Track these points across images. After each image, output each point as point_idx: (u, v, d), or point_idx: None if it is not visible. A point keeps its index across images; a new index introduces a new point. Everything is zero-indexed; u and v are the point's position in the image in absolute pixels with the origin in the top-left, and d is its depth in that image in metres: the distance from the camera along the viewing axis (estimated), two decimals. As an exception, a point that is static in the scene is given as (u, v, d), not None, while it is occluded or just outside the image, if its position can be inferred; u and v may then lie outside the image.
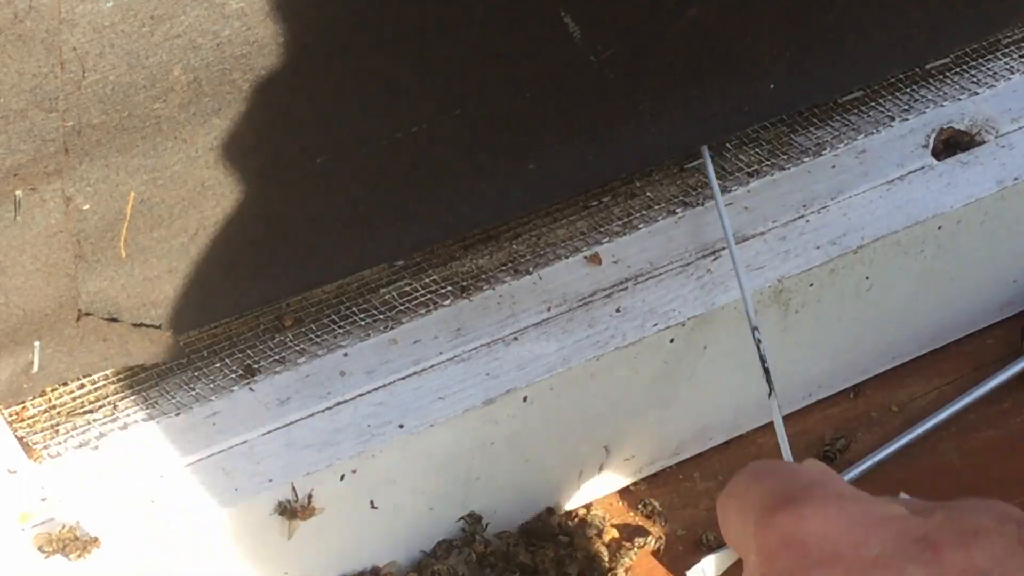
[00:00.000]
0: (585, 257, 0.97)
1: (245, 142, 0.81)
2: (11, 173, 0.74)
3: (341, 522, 0.87)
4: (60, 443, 0.85)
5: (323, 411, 0.88)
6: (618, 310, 0.94)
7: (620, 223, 0.99)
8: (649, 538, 0.95)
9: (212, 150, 0.81)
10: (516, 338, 0.92)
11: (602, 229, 0.98)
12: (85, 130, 0.75)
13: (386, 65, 0.83)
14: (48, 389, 0.86)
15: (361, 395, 0.89)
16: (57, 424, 0.86)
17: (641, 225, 0.99)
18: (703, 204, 1.00)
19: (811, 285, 0.97)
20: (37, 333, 0.82)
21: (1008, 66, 1.11)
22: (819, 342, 1.00)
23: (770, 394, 0.91)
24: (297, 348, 0.91)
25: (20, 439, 0.84)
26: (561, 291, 0.95)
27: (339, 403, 0.88)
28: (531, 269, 0.96)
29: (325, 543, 0.88)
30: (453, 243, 0.97)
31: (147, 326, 0.85)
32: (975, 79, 1.10)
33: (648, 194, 1.01)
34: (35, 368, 0.83)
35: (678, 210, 1.00)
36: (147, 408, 0.87)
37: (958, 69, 1.10)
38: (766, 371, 0.91)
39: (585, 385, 0.91)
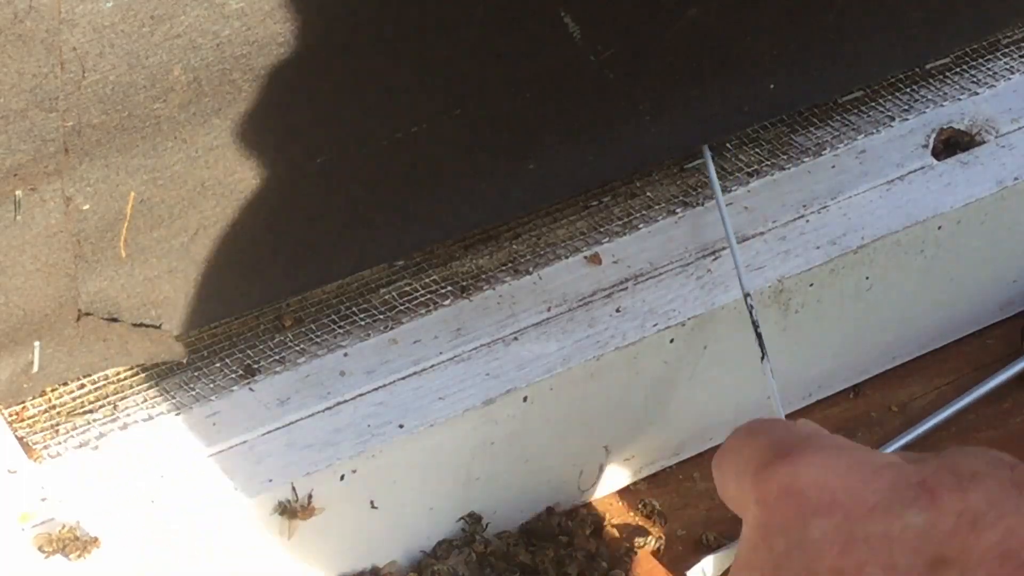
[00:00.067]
0: (585, 257, 0.97)
1: (245, 142, 0.81)
2: (11, 173, 0.74)
3: (341, 522, 0.87)
4: (60, 443, 0.85)
5: (323, 411, 0.88)
6: (618, 310, 0.94)
7: (620, 223, 0.99)
8: (649, 538, 0.95)
9: (212, 150, 0.81)
10: (516, 338, 0.92)
11: (602, 229, 0.98)
12: (85, 130, 0.75)
13: (386, 65, 0.83)
14: (48, 389, 0.86)
15: (361, 395, 0.89)
16: (57, 424, 0.86)
17: (641, 225, 0.99)
18: (703, 204, 1.00)
19: (811, 285, 0.97)
20: (37, 333, 0.82)
21: (1008, 66, 1.11)
22: (819, 342, 1.00)
23: (763, 358, 0.91)
24: (297, 348, 0.91)
25: (20, 439, 0.84)
26: (561, 291, 0.95)
27: (339, 403, 0.88)
28: (531, 269, 0.96)
29: (325, 543, 0.88)
30: (453, 243, 0.97)
31: (147, 326, 0.85)
32: (975, 79, 1.10)
33: (648, 194, 1.01)
34: (35, 368, 0.83)
35: (678, 210, 1.00)
36: (147, 408, 0.87)
37: (958, 69, 1.10)
38: (758, 335, 0.91)
39: (585, 385, 0.91)
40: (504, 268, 0.96)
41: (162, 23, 0.74)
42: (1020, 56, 1.11)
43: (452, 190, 0.91)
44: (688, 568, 0.94)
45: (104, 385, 0.88)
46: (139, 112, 0.76)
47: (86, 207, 0.78)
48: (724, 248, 0.97)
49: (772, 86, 0.99)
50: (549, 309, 0.94)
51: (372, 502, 0.88)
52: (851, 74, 1.04)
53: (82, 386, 0.87)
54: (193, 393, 0.88)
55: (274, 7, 0.77)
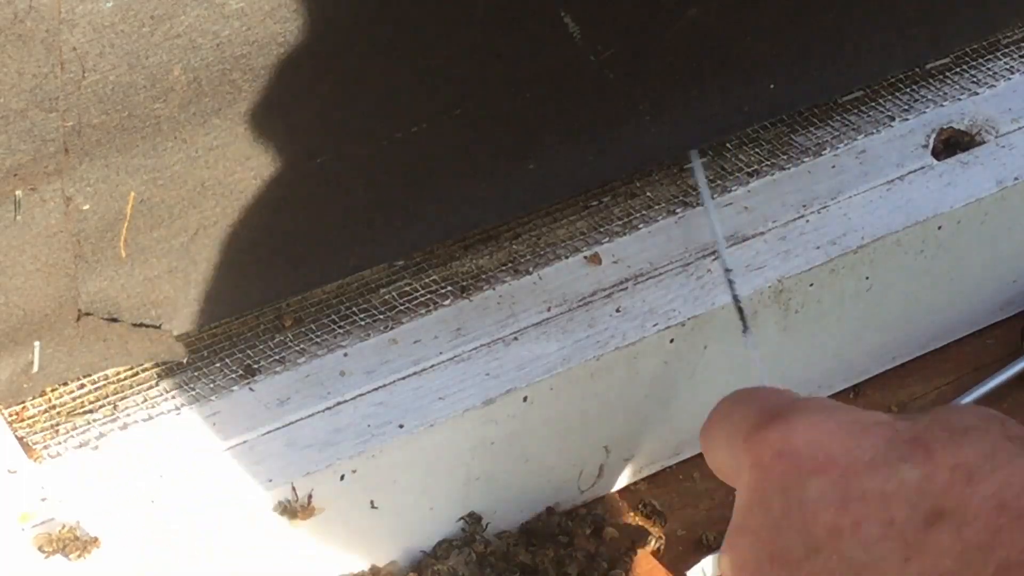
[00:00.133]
0: (585, 257, 0.97)
1: (245, 142, 0.81)
2: (11, 173, 0.74)
3: (341, 522, 0.87)
4: (60, 443, 0.85)
5: (323, 411, 0.88)
6: (618, 310, 0.94)
7: (620, 223, 0.99)
8: (649, 538, 0.95)
9: (212, 150, 0.81)
10: (516, 338, 0.92)
11: (602, 229, 0.98)
12: (85, 130, 0.75)
13: (386, 65, 0.83)
14: (48, 389, 0.86)
15: (361, 395, 0.89)
16: (57, 424, 0.86)
17: (641, 225, 0.99)
18: (703, 204, 1.00)
19: (811, 285, 0.97)
20: (37, 333, 0.82)
21: (1008, 66, 1.11)
22: (819, 342, 1.00)
23: (744, 331, 0.91)
24: (297, 348, 0.91)
25: (20, 439, 0.84)
26: (561, 291, 0.95)
27: (339, 403, 0.88)
28: (531, 269, 0.96)
29: (325, 543, 0.88)
30: (453, 243, 0.97)
31: (147, 326, 0.85)
32: (975, 79, 1.10)
33: (648, 194, 1.01)
34: (35, 368, 0.83)
35: (678, 210, 1.00)
36: (147, 408, 0.87)
37: (958, 69, 1.10)
38: (739, 310, 0.91)
39: (585, 385, 0.91)
40: (504, 268, 0.96)
41: (162, 23, 0.74)
42: (1020, 56, 1.11)
43: (452, 190, 0.91)
44: (688, 568, 0.94)
45: (104, 385, 0.88)
46: (139, 112, 0.76)
47: (86, 207, 0.78)
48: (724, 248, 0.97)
49: (772, 86, 0.99)
50: (549, 309, 0.94)
51: (372, 502, 0.88)
52: (851, 74, 1.04)
53: (82, 386, 0.87)
54: (193, 393, 0.88)
55: (274, 7, 0.77)
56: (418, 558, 0.92)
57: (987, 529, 0.51)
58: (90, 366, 0.85)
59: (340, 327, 0.92)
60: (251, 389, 0.88)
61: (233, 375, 0.89)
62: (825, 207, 1.00)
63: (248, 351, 0.90)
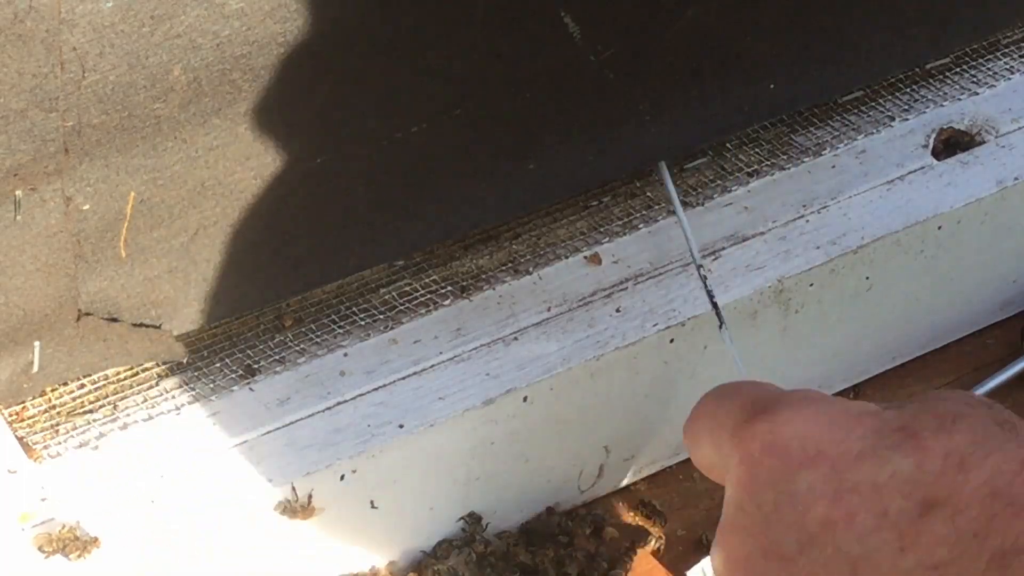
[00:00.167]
0: (585, 257, 0.97)
1: (245, 142, 0.81)
2: (11, 173, 0.74)
3: (341, 522, 0.87)
4: (60, 443, 0.85)
5: (323, 411, 0.88)
6: (618, 310, 0.94)
7: (620, 223, 0.99)
8: (649, 538, 0.95)
9: (212, 150, 0.81)
10: (516, 338, 0.92)
11: (602, 229, 0.98)
12: (85, 130, 0.75)
13: (386, 65, 0.83)
14: (48, 389, 0.86)
15: (361, 395, 0.89)
16: (57, 424, 0.86)
17: (641, 225, 0.99)
18: (703, 204, 1.00)
19: (811, 285, 0.97)
20: (37, 333, 0.82)
21: (1008, 66, 1.11)
22: (819, 342, 1.00)
23: (720, 326, 0.91)
24: (297, 348, 0.91)
25: (20, 439, 0.84)
26: (561, 291, 0.95)
27: (339, 403, 0.88)
28: (531, 269, 0.96)
29: (325, 543, 0.88)
30: (453, 243, 0.97)
31: (147, 326, 0.85)
32: (975, 79, 1.10)
33: (648, 194, 1.01)
34: (35, 368, 0.83)
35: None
36: (147, 408, 0.87)
37: (958, 69, 1.10)
38: (715, 306, 0.91)
39: (585, 385, 0.91)
40: (504, 268, 0.96)
41: (162, 23, 0.74)
42: (1020, 56, 1.11)
43: (452, 190, 0.91)
44: (688, 568, 0.94)
45: (104, 385, 0.88)
46: (139, 112, 0.76)
47: (86, 207, 0.78)
48: (724, 248, 0.97)
49: (772, 86, 0.99)
50: (549, 309, 0.94)
51: (372, 502, 0.88)
52: (851, 74, 1.04)
53: (82, 386, 0.87)
54: (193, 393, 0.88)
55: (274, 7, 0.77)
56: (418, 558, 0.92)
57: (981, 517, 0.50)
58: (90, 366, 0.85)
59: (340, 327, 0.92)
60: (251, 389, 0.88)
61: (233, 375, 0.89)
62: (825, 207, 1.00)
63: (248, 351, 0.90)
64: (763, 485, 0.54)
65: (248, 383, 0.89)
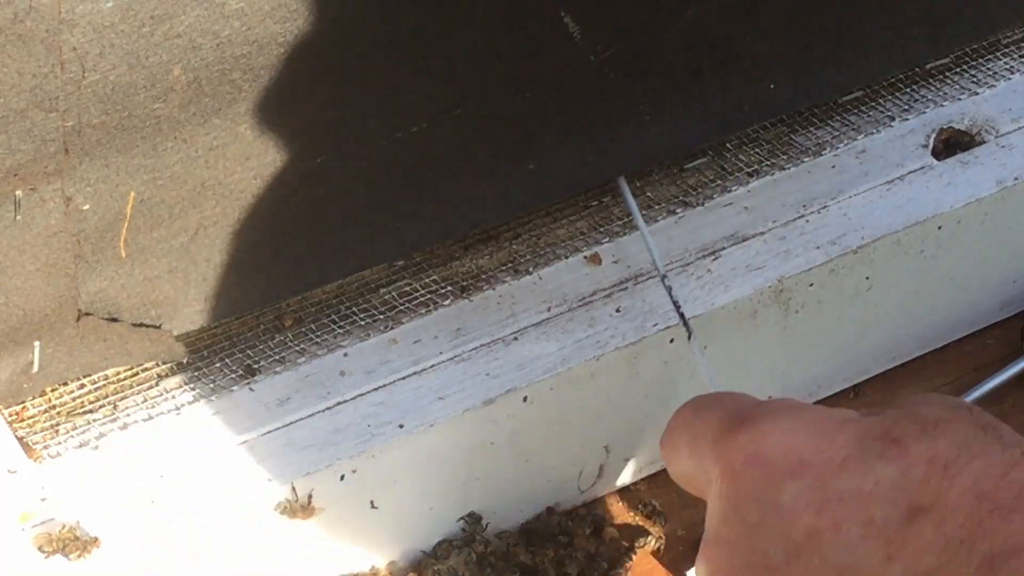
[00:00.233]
0: (585, 257, 0.97)
1: (245, 142, 0.81)
2: (11, 173, 0.74)
3: (341, 522, 0.87)
4: (60, 443, 0.85)
5: (323, 411, 0.88)
6: (618, 310, 0.94)
7: (620, 223, 0.99)
8: (649, 538, 0.95)
9: (212, 150, 0.81)
10: (516, 338, 0.92)
11: (602, 229, 0.98)
12: (85, 130, 0.75)
13: (386, 65, 0.83)
14: (48, 389, 0.86)
15: (361, 395, 0.89)
16: (57, 424, 0.86)
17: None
18: (703, 204, 1.00)
19: (811, 285, 0.97)
20: (37, 333, 0.82)
21: (1008, 66, 1.11)
22: (819, 342, 1.00)
23: (689, 337, 0.91)
24: (297, 348, 0.91)
25: (20, 439, 0.84)
26: (561, 291, 0.95)
27: (339, 403, 0.88)
28: (531, 269, 0.96)
29: (325, 543, 0.88)
30: (453, 243, 0.97)
31: (147, 326, 0.85)
32: (975, 79, 1.10)
33: (648, 194, 1.01)
34: (35, 368, 0.83)
35: (678, 210, 1.00)
36: (147, 408, 0.87)
37: (958, 69, 1.10)
38: (681, 316, 0.91)
39: (585, 385, 0.91)
40: (504, 268, 0.96)
41: (162, 23, 0.74)
42: (1020, 56, 1.11)
43: (452, 190, 0.91)
44: (688, 568, 0.94)
45: (104, 385, 0.88)
46: (139, 112, 0.76)
47: (86, 207, 0.78)
48: (724, 248, 0.97)
49: (772, 86, 0.99)
50: (549, 309, 0.94)
51: (372, 502, 0.88)
52: (851, 74, 1.04)
53: (82, 386, 0.87)
54: (193, 393, 0.88)
55: (274, 7, 0.77)
56: (418, 558, 0.92)
57: (969, 521, 0.50)
58: (90, 366, 0.85)
59: (340, 327, 0.92)
60: (251, 389, 0.88)
61: (233, 375, 0.89)
62: (825, 207, 1.00)
63: (248, 351, 0.90)
64: (747, 497, 0.53)
65: (248, 383, 0.89)
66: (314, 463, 0.85)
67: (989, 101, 1.08)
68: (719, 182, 1.01)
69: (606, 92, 0.92)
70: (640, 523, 0.96)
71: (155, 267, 0.83)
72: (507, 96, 0.89)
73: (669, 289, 0.92)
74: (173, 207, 0.82)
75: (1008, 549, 0.49)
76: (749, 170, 1.02)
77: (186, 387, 0.88)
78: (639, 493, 0.98)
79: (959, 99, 1.08)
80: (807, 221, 0.99)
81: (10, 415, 0.85)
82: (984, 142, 1.05)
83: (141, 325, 0.85)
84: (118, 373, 0.88)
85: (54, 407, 0.86)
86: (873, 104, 1.07)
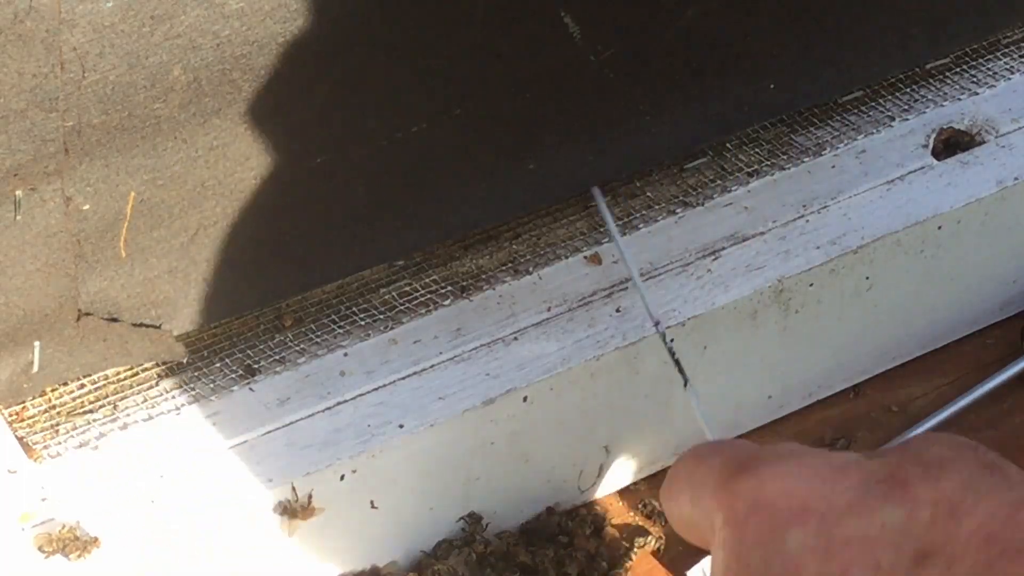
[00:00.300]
0: (585, 257, 0.97)
1: (245, 142, 0.81)
2: (11, 173, 0.74)
3: (341, 522, 0.87)
4: (60, 443, 0.85)
5: (323, 411, 0.88)
6: (618, 310, 0.94)
7: (620, 223, 0.99)
8: (649, 538, 0.95)
9: (212, 150, 0.81)
10: (516, 338, 0.92)
11: (602, 229, 0.98)
12: (85, 130, 0.75)
13: (386, 65, 0.83)
14: (48, 389, 0.86)
15: (361, 395, 0.89)
16: (57, 424, 0.86)
17: (641, 225, 0.99)
18: (703, 204, 1.00)
19: (811, 285, 0.97)
20: (37, 333, 0.82)
21: (1008, 66, 1.11)
22: (819, 342, 1.00)
23: (685, 385, 0.90)
24: (297, 348, 0.91)
25: (20, 439, 0.84)
26: (561, 291, 0.95)
27: (339, 403, 0.88)
28: (531, 269, 0.96)
29: (325, 543, 0.88)
30: (453, 243, 0.97)
31: (147, 326, 0.85)
32: (975, 79, 1.10)
33: (648, 194, 1.01)
34: (35, 368, 0.83)
35: (678, 210, 1.00)
36: (147, 408, 0.87)
37: (958, 69, 1.10)
38: (676, 363, 0.90)
39: (585, 385, 0.91)
40: (504, 268, 0.96)
41: (162, 23, 0.74)
42: (1020, 56, 1.11)
43: (452, 190, 0.91)
44: (688, 568, 0.94)
45: (104, 385, 0.88)
46: (139, 112, 0.76)
47: (86, 207, 0.78)
48: (724, 248, 0.97)
49: (772, 86, 0.99)
50: (549, 309, 0.94)
51: (372, 502, 0.88)
52: (851, 74, 1.04)
53: (82, 386, 0.87)
54: (193, 393, 0.88)
55: (274, 7, 0.77)
56: (418, 558, 0.92)
57: (978, 564, 0.49)
58: (90, 366, 0.85)
59: (340, 327, 0.92)
60: (251, 389, 0.88)
61: (233, 375, 0.89)
62: (825, 207, 1.00)
63: (248, 351, 0.90)
64: (751, 545, 0.53)
65: (248, 383, 0.89)
66: (314, 463, 0.85)
67: (989, 101, 1.08)
68: (719, 182, 1.01)
69: (606, 92, 0.92)
70: (640, 523, 0.96)
71: (155, 267, 0.83)
72: (507, 96, 0.89)
73: (663, 335, 0.91)
74: (173, 207, 0.82)
75: None
76: (749, 170, 1.02)
77: (186, 387, 0.88)
78: (639, 493, 0.98)
79: (959, 99, 1.08)
80: (807, 221, 0.99)
81: (10, 415, 0.85)
82: (984, 142, 1.05)
83: (141, 325, 0.85)
84: (118, 373, 0.88)
85: (54, 407, 0.86)
86: (873, 104, 1.07)
